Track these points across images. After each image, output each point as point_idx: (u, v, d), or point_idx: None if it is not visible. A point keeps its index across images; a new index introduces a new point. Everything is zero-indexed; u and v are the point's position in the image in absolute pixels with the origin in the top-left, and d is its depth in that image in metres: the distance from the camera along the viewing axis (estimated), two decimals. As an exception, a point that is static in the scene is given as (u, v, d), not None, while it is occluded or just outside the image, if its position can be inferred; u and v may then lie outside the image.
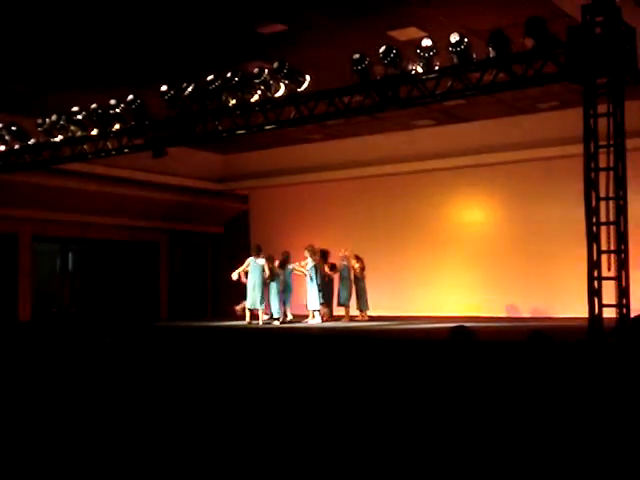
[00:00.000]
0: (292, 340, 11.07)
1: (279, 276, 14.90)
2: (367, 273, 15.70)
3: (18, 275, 16.85)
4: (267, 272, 14.62)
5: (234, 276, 14.84)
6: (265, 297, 14.88)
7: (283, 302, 15.06)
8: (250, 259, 14.76)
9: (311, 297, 14.79)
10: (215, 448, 5.43)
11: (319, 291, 14.75)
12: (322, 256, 15.22)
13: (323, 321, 14.92)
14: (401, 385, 7.22)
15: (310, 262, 14.90)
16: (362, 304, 15.46)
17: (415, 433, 5.58)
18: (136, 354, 10.33)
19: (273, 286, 14.85)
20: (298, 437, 5.62)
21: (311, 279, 14.80)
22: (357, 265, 15.35)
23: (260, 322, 14.68)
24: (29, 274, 17.06)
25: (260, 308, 14.71)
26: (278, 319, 14.89)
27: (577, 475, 4.47)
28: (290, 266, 15.18)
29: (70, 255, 18.45)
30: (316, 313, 14.78)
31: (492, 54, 9.19)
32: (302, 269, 15.12)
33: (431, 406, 6.34)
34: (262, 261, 14.67)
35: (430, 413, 6.14)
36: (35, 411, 6.98)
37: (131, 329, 12.72)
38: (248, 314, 14.78)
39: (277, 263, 15.09)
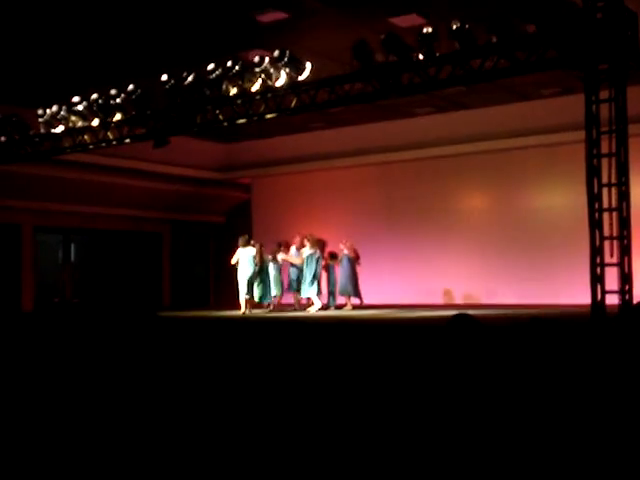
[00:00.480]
0: (293, 329, 11.08)
1: (269, 264, 14.88)
2: (369, 261, 15.67)
3: (21, 266, 16.89)
4: (257, 258, 14.60)
5: (233, 261, 14.88)
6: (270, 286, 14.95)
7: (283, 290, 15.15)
8: (239, 250, 14.70)
9: (305, 285, 14.69)
10: (215, 441, 5.44)
11: (313, 279, 14.58)
12: (320, 245, 15.06)
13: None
14: (401, 373, 7.23)
15: (307, 250, 14.75)
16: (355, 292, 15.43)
17: (415, 422, 5.58)
18: (138, 344, 10.35)
19: (266, 275, 14.83)
20: (299, 427, 5.63)
21: (307, 267, 14.66)
22: (352, 255, 15.32)
23: (261, 310, 14.75)
24: (31, 265, 17.10)
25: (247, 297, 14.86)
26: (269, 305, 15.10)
27: (578, 467, 4.48)
28: (279, 257, 15.01)
29: (72, 246, 18.48)
30: (315, 299, 14.68)
31: (494, 40, 9.15)
32: (292, 258, 14.99)
33: (431, 394, 6.34)
34: (253, 251, 14.64)
35: (430, 402, 6.14)
36: (37, 402, 7.00)
37: (133, 319, 12.75)
38: (244, 304, 14.72)
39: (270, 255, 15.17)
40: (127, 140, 12.89)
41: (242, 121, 11.73)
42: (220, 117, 11.75)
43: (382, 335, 9.87)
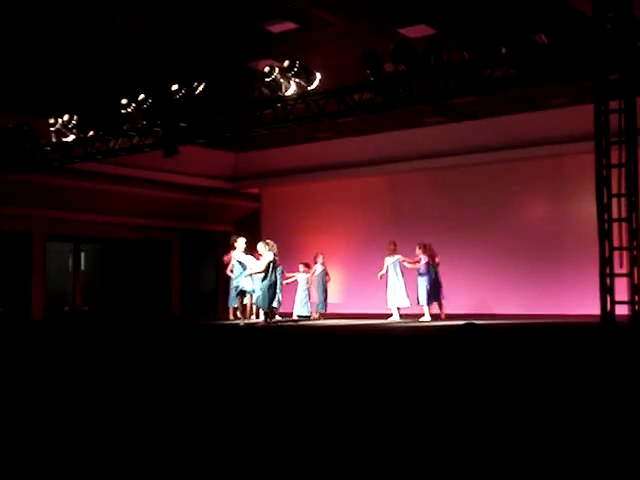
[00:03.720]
0: (294, 338, 11.08)
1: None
2: (377, 270, 15.56)
3: (32, 274, 16.94)
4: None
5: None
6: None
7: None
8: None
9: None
10: (218, 445, 5.45)
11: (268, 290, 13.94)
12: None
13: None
14: (409, 382, 7.22)
15: (269, 256, 13.96)
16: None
17: (422, 431, 5.58)
18: (145, 351, 10.38)
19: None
20: (301, 434, 5.63)
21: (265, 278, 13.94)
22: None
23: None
24: (42, 273, 17.16)
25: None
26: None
27: (585, 471, 4.47)
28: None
29: (82, 254, 18.53)
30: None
31: (503, 51, 9.16)
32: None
33: (439, 403, 6.33)
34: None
35: (438, 410, 6.13)
36: (47, 409, 7.03)
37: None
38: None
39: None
40: (137, 149, 12.95)
41: (252, 130, 11.80)
42: (230, 127, 11.80)
43: (388, 344, 9.86)
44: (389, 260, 14.63)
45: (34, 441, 5.70)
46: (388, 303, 14.62)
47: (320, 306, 15.08)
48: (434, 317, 14.27)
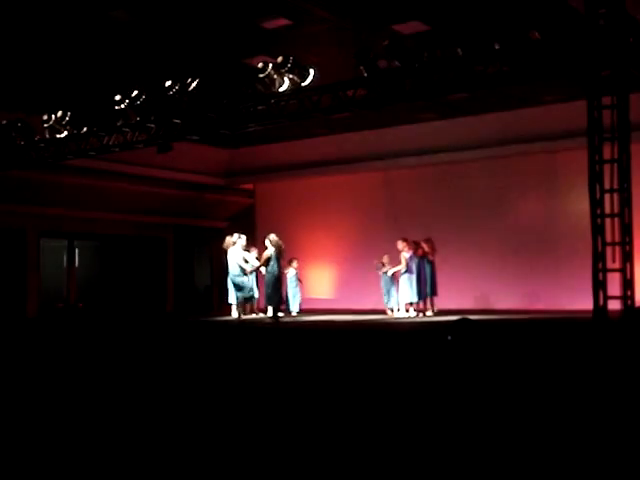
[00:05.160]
0: (293, 335, 11.11)
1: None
2: (371, 266, 15.56)
3: (26, 271, 16.91)
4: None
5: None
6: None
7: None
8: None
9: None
10: (217, 443, 5.47)
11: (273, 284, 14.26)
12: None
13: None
14: (402, 378, 7.25)
15: (269, 250, 14.31)
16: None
17: (416, 426, 5.60)
18: (139, 348, 10.39)
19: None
20: (298, 431, 5.66)
21: (267, 272, 14.28)
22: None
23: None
24: (36, 270, 17.13)
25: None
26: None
27: (580, 468, 4.50)
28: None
29: (77, 251, 18.51)
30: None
31: (496, 47, 9.18)
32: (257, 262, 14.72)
33: (434, 398, 6.36)
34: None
35: (433, 405, 6.16)
36: (41, 407, 7.03)
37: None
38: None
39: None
40: (131, 146, 12.94)
41: (246, 126, 11.81)
42: (224, 123, 11.81)
43: (382, 340, 9.89)
44: (407, 255, 14.66)
45: (30, 438, 5.71)
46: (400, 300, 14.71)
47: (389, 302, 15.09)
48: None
